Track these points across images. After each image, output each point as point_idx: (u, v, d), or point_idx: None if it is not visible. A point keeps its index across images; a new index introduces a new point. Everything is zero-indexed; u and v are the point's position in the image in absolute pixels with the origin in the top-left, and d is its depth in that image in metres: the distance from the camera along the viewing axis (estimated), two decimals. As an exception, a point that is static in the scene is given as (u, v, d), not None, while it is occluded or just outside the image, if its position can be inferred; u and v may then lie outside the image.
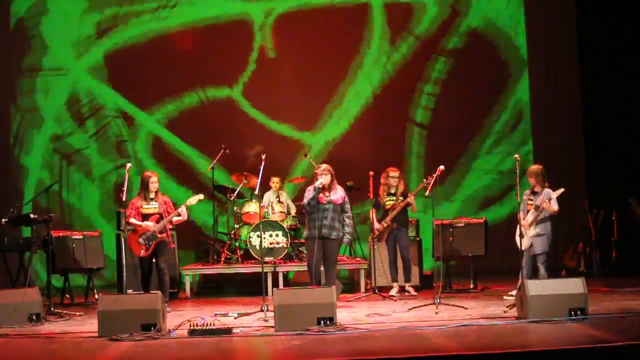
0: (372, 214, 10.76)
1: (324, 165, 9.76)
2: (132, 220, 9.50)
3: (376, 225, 10.68)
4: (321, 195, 9.49)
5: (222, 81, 13.84)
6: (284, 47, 13.94)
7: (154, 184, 9.59)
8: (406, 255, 10.72)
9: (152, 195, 9.62)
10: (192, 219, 13.05)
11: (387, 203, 10.68)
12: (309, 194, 9.56)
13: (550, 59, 14.23)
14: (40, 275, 12.16)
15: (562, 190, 9.45)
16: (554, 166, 13.29)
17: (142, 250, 9.51)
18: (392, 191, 10.69)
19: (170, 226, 9.83)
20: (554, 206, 9.48)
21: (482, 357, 6.49)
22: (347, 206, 9.69)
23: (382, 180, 10.77)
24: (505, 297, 9.53)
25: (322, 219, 9.42)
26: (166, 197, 9.79)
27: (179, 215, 9.62)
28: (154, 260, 9.60)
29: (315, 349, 7.00)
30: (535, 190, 9.69)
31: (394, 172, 10.71)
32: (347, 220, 9.64)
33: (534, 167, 9.74)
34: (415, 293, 10.61)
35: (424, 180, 10.01)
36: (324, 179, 9.51)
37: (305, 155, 12.17)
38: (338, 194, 9.61)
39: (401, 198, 10.59)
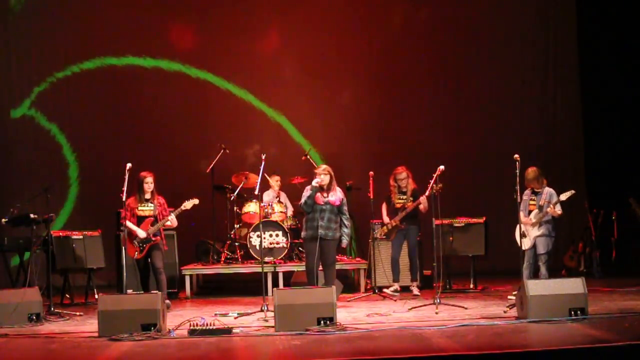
0: (384, 209, 10.78)
1: (324, 166, 9.73)
2: (127, 223, 9.47)
3: (385, 219, 10.71)
4: (319, 195, 9.47)
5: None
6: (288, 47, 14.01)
7: (148, 184, 9.54)
8: (413, 254, 10.73)
9: (147, 196, 9.58)
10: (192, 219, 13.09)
11: (397, 202, 10.69)
12: (306, 192, 9.57)
13: (550, 58, 14.24)
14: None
15: (571, 192, 9.40)
16: (554, 166, 13.30)
17: (137, 253, 9.53)
18: (404, 190, 10.69)
19: (163, 228, 9.81)
20: (559, 210, 9.47)
21: (482, 357, 6.49)
22: (345, 208, 9.67)
23: (391, 182, 10.77)
24: (509, 297, 9.52)
25: (319, 220, 9.42)
26: (162, 198, 9.75)
27: (169, 221, 9.60)
28: (149, 260, 9.61)
29: (315, 349, 6.99)
30: (536, 190, 9.67)
31: (400, 174, 10.69)
32: (346, 222, 9.62)
33: (531, 173, 9.66)
34: (418, 293, 10.61)
35: (430, 182, 10.00)
36: (322, 179, 9.50)
37: (306, 155, 12.16)
38: (337, 195, 9.58)
39: (411, 198, 10.58)
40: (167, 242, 10.00)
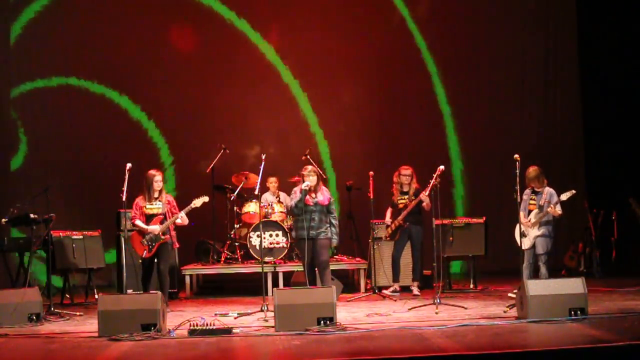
0: (388, 213, 10.79)
1: (309, 167, 9.78)
2: (137, 222, 9.45)
3: (387, 221, 10.72)
4: (307, 197, 9.51)
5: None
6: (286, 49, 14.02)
7: (157, 182, 9.47)
8: (417, 253, 10.74)
9: (155, 195, 9.52)
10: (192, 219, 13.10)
11: (399, 202, 10.70)
12: (295, 196, 9.59)
13: (550, 58, 14.25)
14: (38, 276, 12.14)
15: (572, 192, 9.40)
16: (554, 166, 13.30)
17: (145, 252, 9.49)
18: (405, 190, 10.69)
19: (173, 226, 9.79)
20: (559, 210, 9.48)
21: (482, 357, 6.49)
22: (333, 207, 9.75)
23: (394, 179, 10.78)
24: (509, 294, 9.52)
25: (310, 221, 9.45)
26: (170, 196, 9.71)
27: (179, 219, 9.54)
28: (155, 260, 9.57)
29: (315, 349, 7.00)
30: (537, 190, 9.67)
31: (405, 170, 10.71)
32: (334, 222, 9.69)
33: (532, 172, 9.67)
34: (418, 293, 10.61)
35: (430, 181, 9.99)
36: (310, 181, 9.52)
37: (306, 155, 12.15)
38: (324, 195, 9.65)
39: (413, 197, 10.59)
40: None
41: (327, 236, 9.57)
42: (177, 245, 9.85)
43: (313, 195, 9.56)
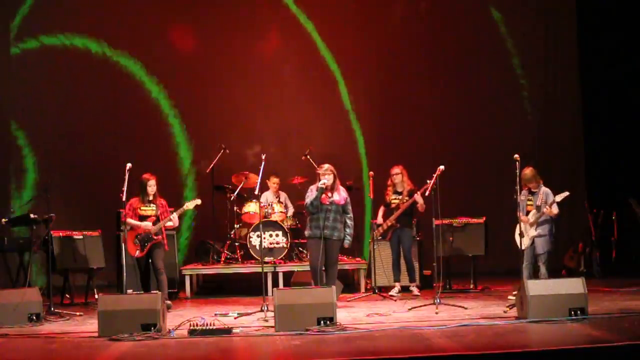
0: (380, 212, 10.77)
1: (327, 165, 9.63)
2: (129, 220, 9.56)
3: (379, 220, 10.71)
4: (324, 195, 9.44)
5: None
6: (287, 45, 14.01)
7: (152, 187, 9.69)
8: (408, 256, 10.72)
9: (150, 198, 9.72)
10: (192, 219, 13.14)
11: (392, 202, 10.68)
12: (311, 194, 9.50)
13: (550, 58, 14.25)
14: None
15: (566, 194, 9.40)
16: (554, 166, 13.30)
17: (137, 251, 9.58)
18: (399, 189, 10.67)
19: (164, 228, 9.87)
20: (555, 210, 9.49)
21: (482, 357, 6.50)
22: (349, 207, 9.63)
23: (388, 182, 10.76)
24: (509, 297, 9.51)
25: (325, 220, 9.36)
26: (163, 199, 9.86)
27: (170, 220, 9.70)
28: (150, 260, 9.68)
29: (315, 349, 7.00)
30: (533, 190, 9.68)
31: (394, 170, 10.70)
32: (349, 222, 9.58)
33: (529, 173, 9.68)
34: (418, 293, 10.60)
35: (427, 181, 9.99)
36: (327, 179, 9.46)
37: (306, 155, 12.15)
38: (341, 194, 9.56)
39: (407, 198, 10.57)
40: (168, 241, 10.00)
41: (340, 237, 9.49)
42: (167, 248, 9.94)
43: (329, 194, 9.48)
